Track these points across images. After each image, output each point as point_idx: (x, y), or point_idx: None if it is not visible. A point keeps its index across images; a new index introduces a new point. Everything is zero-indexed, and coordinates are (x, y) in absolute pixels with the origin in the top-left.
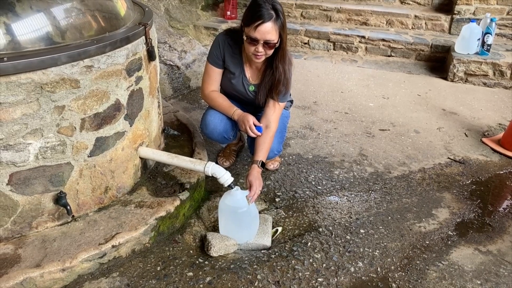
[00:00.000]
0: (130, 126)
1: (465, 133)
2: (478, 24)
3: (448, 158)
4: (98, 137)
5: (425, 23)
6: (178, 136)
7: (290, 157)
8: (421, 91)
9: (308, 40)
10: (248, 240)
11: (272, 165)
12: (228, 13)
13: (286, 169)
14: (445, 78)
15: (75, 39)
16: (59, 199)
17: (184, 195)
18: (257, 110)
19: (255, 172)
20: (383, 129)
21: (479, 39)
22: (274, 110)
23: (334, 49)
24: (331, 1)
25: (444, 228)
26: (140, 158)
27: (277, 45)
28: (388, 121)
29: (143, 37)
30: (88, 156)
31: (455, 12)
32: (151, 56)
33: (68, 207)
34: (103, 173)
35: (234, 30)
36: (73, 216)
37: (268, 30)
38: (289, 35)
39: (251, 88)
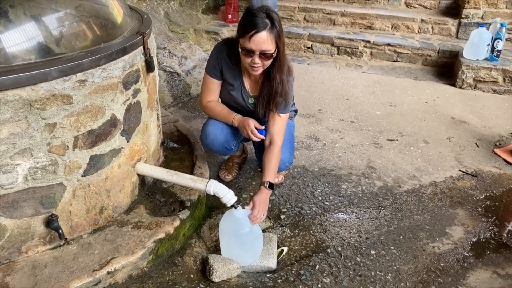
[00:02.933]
0: (127, 141)
1: (476, 143)
2: (488, 29)
3: (460, 170)
4: (93, 155)
5: (432, 27)
6: (178, 148)
7: (295, 170)
8: (429, 98)
9: (311, 45)
10: (252, 262)
11: (276, 179)
12: (230, 16)
13: (291, 182)
14: (453, 85)
15: (69, 50)
16: (51, 222)
17: (184, 214)
18: (260, 123)
19: (264, 195)
20: (391, 139)
21: (488, 45)
22: (275, 123)
23: (338, 54)
24: (335, 5)
25: (459, 248)
26: (138, 174)
27: (274, 55)
28: (396, 131)
29: (141, 47)
30: (82, 176)
31: (463, 16)
32: (149, 67)
33: (60, 231)
34: (98, 193)
35: (232, 40)
36: (65, 239)
37: (263, 40)
38: (292, 39)
39: (251, 100)
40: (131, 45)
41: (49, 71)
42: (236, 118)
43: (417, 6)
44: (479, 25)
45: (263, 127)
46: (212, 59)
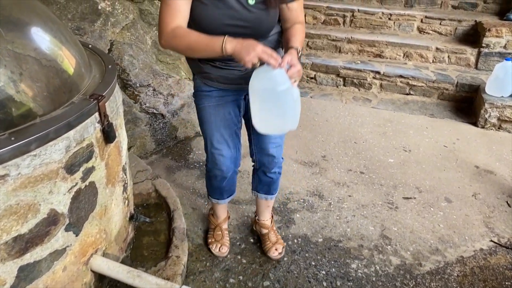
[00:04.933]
0: (76, 236)
1: (507, 202)
2: None
3: (491, 241)
4: (23, 265)
5: (448, 57)
6: (152, 221)
7: (295, 241)
8: (448, 140)
9: (315, 75)
10: (291, 129)
11: (275, 252)
12: None
13: (289, 260)
14: (474, 124)
15: None
16: None
17: None
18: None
19: (294, 55)
20: (407, 197)
21: None
22: (292, 9)
23: (344, 85)
24: (341, 30)
25: None
26: (93, 271)
27: None
28: (413, 185)
29: (97, 114)
30: None
31: (483, 45)
32: (108, 137)
33: None
34: None
35: None
36: None
37: None
38: None
39: (251, 1)
40: (80, 116)
41: None
42: (228, 41)
43: (431, 32)
44: (502, 56)
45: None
46: None
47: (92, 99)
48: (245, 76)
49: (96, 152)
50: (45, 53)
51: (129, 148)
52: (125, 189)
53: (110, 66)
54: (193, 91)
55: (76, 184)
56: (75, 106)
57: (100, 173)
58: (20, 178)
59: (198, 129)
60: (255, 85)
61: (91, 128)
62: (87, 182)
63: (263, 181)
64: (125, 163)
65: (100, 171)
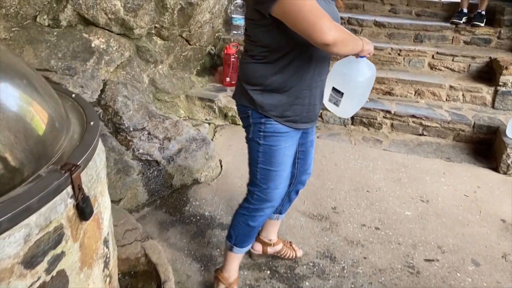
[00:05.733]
0: None
1: None
2: None
3: None
4: None
5: (463, 95)
6: None
7: None
8: (468, 188)
9: (321, 113)
10: (351, 115)
11: (298, 250)
12: (228, 79)
13: None
14: (495, 169)
15: None
16: None
17: None
18: None
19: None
20: (429, 259)
21: None
22: None
23: (353, 124)
24: None
25: None
26: None
27: None
28: (434, 243)
29: (69, 188)
30: None
31: (500, 83)
32: (83, 214)
33: None
34: None
35: None
36: None
37: None
38: None
39: None
40: (46, 194)
41: None
42: (364, 40)
43: (443, 68)
44: None
45: None
46: None
47: (63, 171)
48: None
49: (67, 234)
50: (9, 112)
51: (118, 201)
52: (106, 265)
53: (92, 123)
54: (256, 132)
55: (39, 278)
56: (41, 181)
57: (73, 258)
58: None
59: (196, 176)
60: (338, 69)
61: (61, 207)
62: (54, 273)
63: (292, 199)
64: (108, 233)
65: (72, 255)
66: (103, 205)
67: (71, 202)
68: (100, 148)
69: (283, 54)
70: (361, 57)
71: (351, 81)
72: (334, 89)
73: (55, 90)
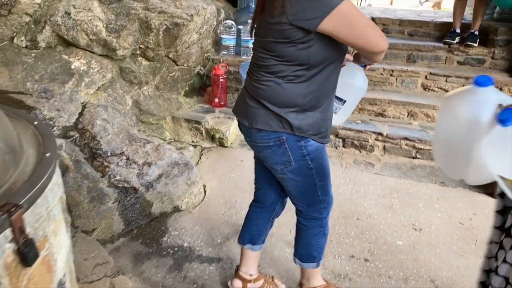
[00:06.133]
0: None
1: None
2: None
3: None
4: None
5: None
6: None
7: None
8: (463, 215)
9: None
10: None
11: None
12: (216, 100)
13: None
14: (491, 195)
15: None
16: None
17: None
18: None
19: None
20: None
21: None
22: None
23: (344, 147)
24: None
25: None
26: None
27: None
28: (427, 277)
29: (8, 230)
30: None
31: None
32: (25, 259)
33: None
34: None
35: None
36: None
37: None
38: None
39: None
40: None
41: None
42: None
43: (436, 89)
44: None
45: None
46: None
47: (1, 212)
48: None
49: (4, 284)
50: None
51: (92, 231)
52: None
53: (47, 154)
54: (301, 159)
55: None
56: None
57: None
58: None
59: (177, 203)
60: (351, 84)
61: None
62: None
63: (281, 212)
64: (64, 274)
65: None
66: (56, 245)
67: (10, 246)
68: (56, 182)
69: (320, 70)
70: (362, 66)
71: (353, 89)
72: (336, 97)
73: (16, 116)
